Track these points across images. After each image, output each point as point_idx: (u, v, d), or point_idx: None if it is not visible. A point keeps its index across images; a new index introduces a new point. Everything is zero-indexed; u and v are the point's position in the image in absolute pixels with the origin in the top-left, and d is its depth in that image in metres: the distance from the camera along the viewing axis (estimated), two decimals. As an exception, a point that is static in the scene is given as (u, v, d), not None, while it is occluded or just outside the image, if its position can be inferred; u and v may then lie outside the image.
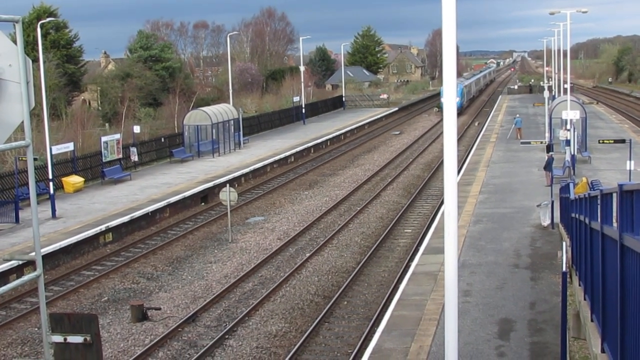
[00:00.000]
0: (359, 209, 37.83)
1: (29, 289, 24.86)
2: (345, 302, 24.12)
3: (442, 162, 7.12)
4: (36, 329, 21.87)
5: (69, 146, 40.70)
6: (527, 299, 19.60)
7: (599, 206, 11.01)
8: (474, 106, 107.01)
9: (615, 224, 8.96)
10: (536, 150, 47.71)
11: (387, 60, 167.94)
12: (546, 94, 65.02)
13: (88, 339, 6.81)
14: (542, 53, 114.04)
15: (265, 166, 50.04)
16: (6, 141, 6.36)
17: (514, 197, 34.26)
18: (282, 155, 53.46)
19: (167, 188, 40.41)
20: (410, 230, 33.77)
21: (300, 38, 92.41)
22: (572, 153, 39.92)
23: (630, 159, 33.05)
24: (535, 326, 17.44)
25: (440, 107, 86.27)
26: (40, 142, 40.14)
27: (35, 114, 43.84)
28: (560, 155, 42.36)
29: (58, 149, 38.79)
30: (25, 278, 6.57)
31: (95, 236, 31.14)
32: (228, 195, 31.72)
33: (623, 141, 39.04)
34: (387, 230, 33.06)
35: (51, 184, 34.40)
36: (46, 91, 36.07)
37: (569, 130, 40.87)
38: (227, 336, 21.20)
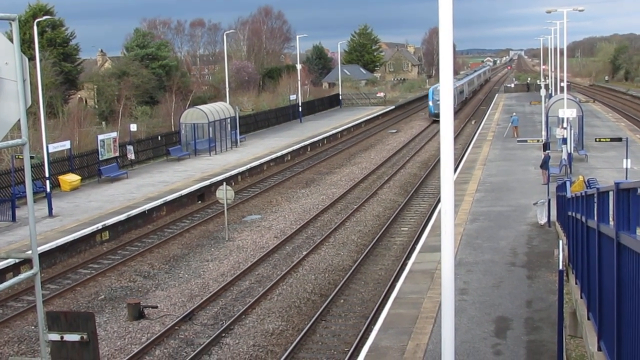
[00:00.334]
0: (355, 207, 37.84)
1: (25, 287, 24.85)
2: (342, 301, 24.13)
3: (438, 161, 7.16)
4: (33, 327, 21.86)
5: (66, 144, 40.68)
6: (523, 297, 19.61)
7: (595, 204, 11.01)
8: (467, 108, 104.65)
9: (611, 223, 8.97)
10: (533, 149, 47.76)
11: (384, 59, 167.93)
12: (543, 92, 65.10)
13: (85, 337, 6.80)
14: (539, 51, 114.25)
15: (261, 164, 50.03)
16: (3, 139, 6.34)
17: (510, 196, 34.28)
18: (278, 154, 53.46)
19: (163, 186, 40.38)
20: (407, 229, 33.79)
21: (297, 36, 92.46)
22: (569, 151, 39.95)
23: (626, 157, 33.08)
24: (531, 324, 17.45)
25: (430, 112, 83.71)
26: (36, 140, 40.09)
27: (31, 113, 43.85)
28: (557, 154, 42.39)
29: (55, 147, 38.74)
30: (22, 276, 6.56)
31: (92, 234, 31.12)
32: (225, 194, 31.71)
33: (619, 139, 39.07)
34: (383, 229, 33.08)
35: (48, 182, 34.35)
36: (43, 89, 36.05)
37: (565, 128, 40.90)
38: (224, 334, 21.20)
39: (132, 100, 75.46)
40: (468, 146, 54.97)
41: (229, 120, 56.81)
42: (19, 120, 6.33)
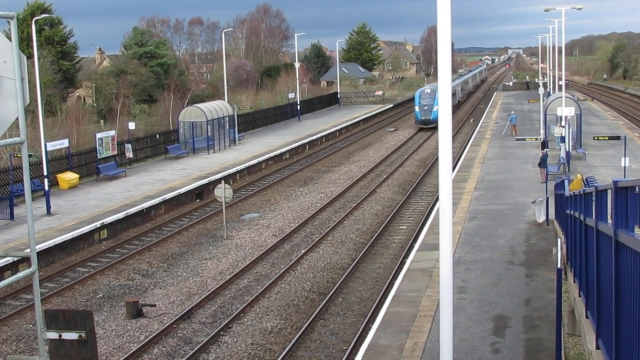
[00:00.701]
0: (354, 205, 37.84)
1: (23, 285, 24.85)
2: (341, 299, 24.14)
3: (437, 159, 7.16)
4: (31, 326, 21.86)
5: (64, 143, 40.64)
6: (522, 295, 19.63)
7: (593, 203, 11.01)
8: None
9: (610, 221, 8.97)
10: (531, 147, 47.78)
11: (382, 57, 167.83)
12: (541, 90, 65.10)
13: (83, 335, 6.80)
14: (537, 50, 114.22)
15: (260, 163, 50.02)
16: (1, 138, 6.34)
17: (509, 194, 34.30)
18: (277, 152, 53.45)
19: (162, 185, 40.37)
20: (405, 227, 33.79)
21: (295, 35, 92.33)
22: (567, 150, 39.99)
23: (625, 156, 33.10)
24: (530, 323, 17.47)
25: (417, 118, 74.94)
26: (35, 138, 40.08)
27: (30, 111, 43.78)
28: (555, 152, 42.44)
29: (53, 146, 38.72)
30: (20, 275, 6.56)
31: (90, 233, 31.11)
32: (223, 192, 31.70)
33: (618, 138, 39.12)
34: (382, 227, 33.08)
35: (46, 180, 34.32)
36: (41, 88, 36.02)
37: (563, 127, 40.92)
38: (222, 333, 21.20)
39: (131, 99, 75.42)
40: (466, 144, 54.99)
41: (227, 118, 56.80)
42: (17, 119, 6.33)
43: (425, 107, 73.70)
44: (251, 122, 70.53)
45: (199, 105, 57.06)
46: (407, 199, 39.44)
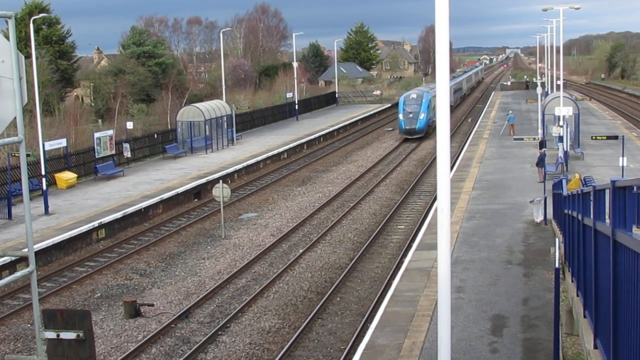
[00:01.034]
0: (352, 205, 37.84)
1: (21, 285, 24.82)
2: (339, 299, 24.14)
3: (434, 159, 7.18)
4: (29, 325, 21.83)
5: (62, 142, 40.62)
6: (520, 295, 19.63)
7: (591, 202, 11.03)
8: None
9: (607, 220, 8.98)
10: (529, 147, 47.77)
11: (380, 57, 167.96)
12: (539, 90, 65.12)
13: (81, 335, 6.80)
14: (535, 49, 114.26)
15: (258, 162, 50.01)
16: (-1, 137, 6.34)
17: (506, 194, 34.30)
18: (275, 152, 53.44)
19: (160, 184, 40.35)
20: (403, 227, 33.80)
21: (294, 34, 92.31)
22: (565, 149, 40.01)
23: (622, 155, 33.14)
24: (528, 322, 17.47)
25: (401, 127, 65.45)
26: (33, 138, 40.03)
27: (28, 110, 43.71)
28: (553, 152, 42.45)
29: (51, 145, 38.71)
30: (18, 274, 6.55)
31: (88, 232, 31.09)
32: (221, 192, 31.70)
33: (616, 137, 39.16)
34: (380, 227, 33.08)
35: (44, 180, 34.31)
36: (39, 87, 35.97)
37: (561, 126, 40.95)
38: (220, 332, 21.19)
39: (129, 98, 75.45)
40: (464, 144, 54.99)
41: (225, 118, 56.79)
42: (15, 118, 6.33)
43: (411, 115, 64.87)
44: (249, 122, 70.53)
45: (197, 104, 57.05)
46: (405, 199, 39.44)
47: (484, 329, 17.13)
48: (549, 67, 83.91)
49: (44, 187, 34.10)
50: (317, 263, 28.22)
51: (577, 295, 13.15)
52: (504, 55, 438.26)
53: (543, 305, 18.51)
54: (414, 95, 67.43)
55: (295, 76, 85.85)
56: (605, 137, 41.64)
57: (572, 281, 14.54)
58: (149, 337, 20.66)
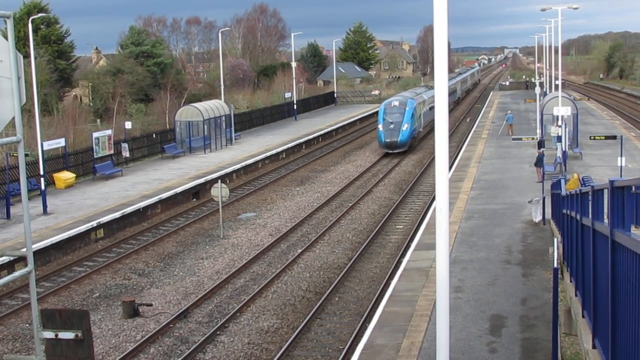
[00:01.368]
0: (350, 205, 37.84)
1: (20, 285, 24.81)
2: (337, 298, 24.14)
3: (433, 158, 7.18)
4: (27, 325, 21.82)
5: (61, 142, 40.60)
6: (518, 295, 19.64)
7: (590, 202, 11.02)
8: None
9: (606, 220, 8.98)
10: (527, 147, 47.79)
11: (379, 57, 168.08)
12: (537, 90, 65.12)
13: (79, 335, 6.80)
14: (534, 49, 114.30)
15: (256, 162, 50.01)
16: (-3, 137, 6.35)
17: (505, 194, 34.31)
18: (273, 152, 53.43)
19: (158, 184, 40.34)
20: (401, 227, 33.80)
21: (292, 34, 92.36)
22: (563, 149, 40.02)
23: (621, 155, 33.16)
24: (526, 322, 17.48)
25: (380, 141, 56.16)
26: (31, 138, 40.02)
27: (26, 110, 43.72)
28: (552, 152, 42.47)
29: (49, 145, 38.69)
30: (16, 274, 6.55)
31: (87, 232, 31.08)
32: (220, 191, 31.69)
33: (614, 137, 39.19)
34: (378, 227, 33.08)
35: (42, 179, 34.31)
36: (37, 87, 35.98)
37: (560, 126, 40.96)
38: (218, 332, 21.19)
39: (127, 98, 75.43)
40: (463, 144, 55.00)
41: (223, 118, 56.77)
42: (13, 118, 6.33)
43: (392, 126, 55.54)
44: (248, 122, 70.52)
45: (196, 104, 57.04)
46: (404, 199, 39.45)
47: (482, 328, 17.13)
48: (548, 67, 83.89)
49: (43, 187, 34.09)
50: (316, 263, 28.23)
51: (576, 295, 13.14)
52: (502, 55, 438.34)
53: (541, 305, 18.52)
54: (396, 103, 58.15)
55: (294, 76, 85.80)
56: (603, 137, 41.68)
57: (571, 281, 14.53)
58: (147, 337, 20.66)
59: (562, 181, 22.18)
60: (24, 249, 6.57)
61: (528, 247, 24.64)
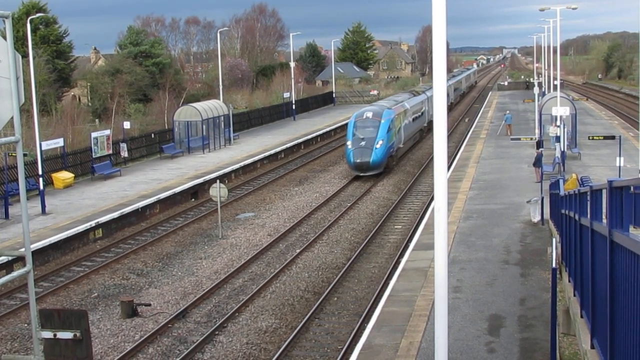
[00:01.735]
0: (349, 205, 37.85)
1: (18, 284, 24.81)
2: (336, 298, 24.14)
3: (432, 158, 7.19)
4: (26, 325, 21.82)
5: (59, 142, 40.59)
6: (517, 295, 19.65)
7: (588, 202, 11.03)
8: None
9: (604, 221, 8.99)
10: (526, 147, 47.81)
11: (378, 57, 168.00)
12: (536, 90, 65.14)
13: (78, 334, 6.80)
14: (532, 49, 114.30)
15: (255, 162, 49.99)
16: (-4, 137, 6.35)
17: (504, 194, 34.32)
18: (272, 152, 53.43)
19: (157, 184, 40.33)
20: (400, 227, 33.81)
21: (291, 34, 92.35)
22: (562, 149, 40.01)
23: (619, 155, 33.15)
24: (525, 322, 17.49)
25: (349, 161, 45.42)
26: (30, 137, 40.02)
27: (25, 110, 43.71)
28: (550, 152, 42.47)
29: (48, 145, 38.66)
30: (14, 274, 6.55)
31: (85, 232, 31.07)
32: (218, 192, 31.68)
33: (613, 137, 39.20)
34: (377, 227, 33.09)
35: (41, 179, 34.27)
36: (36, 87, 35.96)
37: (558, 126, 40.96)
38: (217, 332, 21.19)
39: (126, 98, 75.41)
40: (461, 144, 55.01)
41: (222, 118, 56.75)
42: (12, 118, 6.32)
43: (363, 143, 45.23)
44: (246, 122, 70.48)
45: (194, 104, 57.03)
46: (402, 199, 39.46)
47: (481, 328, 17.14)
48: (546, 67, 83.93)
49: (41, 187, 34.06)
50: (314, 263, 28.23)
51: (574, 295, 13.14)
52: (501, 55, 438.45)
53: (540, 305, 18.53)
54: (369, 115, 47.54)
55: (293, 76, 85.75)
56: (602, 137, 41.68)
57: (569, 281, 14.54)
58: (146, 337, 20.66)
59: (561, 181, 22.19)
60: (23, 249, 6.57)
61: (526, 247, 24.65)
